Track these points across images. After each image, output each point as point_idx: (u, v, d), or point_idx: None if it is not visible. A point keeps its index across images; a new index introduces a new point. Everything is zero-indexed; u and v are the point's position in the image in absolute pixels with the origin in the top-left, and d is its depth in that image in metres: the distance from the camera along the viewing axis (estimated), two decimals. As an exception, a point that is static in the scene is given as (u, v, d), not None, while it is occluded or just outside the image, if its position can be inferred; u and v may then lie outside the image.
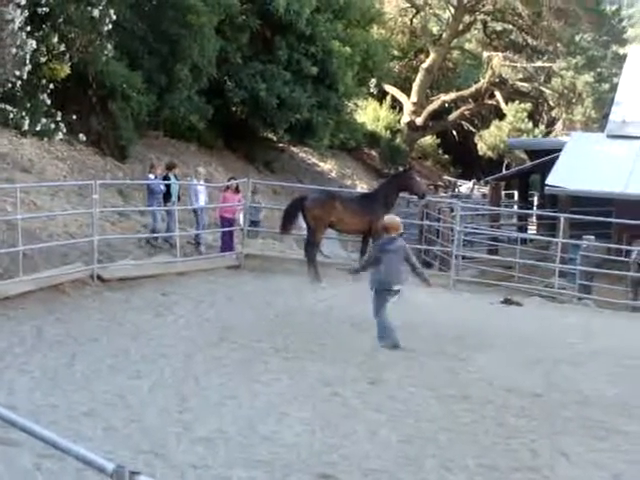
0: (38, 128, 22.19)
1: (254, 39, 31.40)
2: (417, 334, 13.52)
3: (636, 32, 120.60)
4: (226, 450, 7.65)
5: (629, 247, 21.55)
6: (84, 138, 24.13)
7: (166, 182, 19.94)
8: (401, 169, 20.44)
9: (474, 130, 57.30)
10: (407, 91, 53.31)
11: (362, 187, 40.73)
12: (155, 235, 19.74)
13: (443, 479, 7.30)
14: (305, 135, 34.05)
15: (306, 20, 30.70)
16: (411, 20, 54.71)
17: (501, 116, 56.04)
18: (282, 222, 19.06)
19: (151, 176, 20.17)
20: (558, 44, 53.63)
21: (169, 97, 27.22)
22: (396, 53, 52.99)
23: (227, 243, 20.43)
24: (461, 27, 53.87)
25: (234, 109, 32.47)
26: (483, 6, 53.43)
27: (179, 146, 30.79)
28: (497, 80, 54.21)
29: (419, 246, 26.38)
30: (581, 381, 11.17)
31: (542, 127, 57.21)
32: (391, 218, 13.36)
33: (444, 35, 53.85)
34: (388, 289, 12.48)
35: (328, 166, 42.10)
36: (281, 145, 37.62)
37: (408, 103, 52.71)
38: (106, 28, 22.71)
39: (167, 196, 19.88)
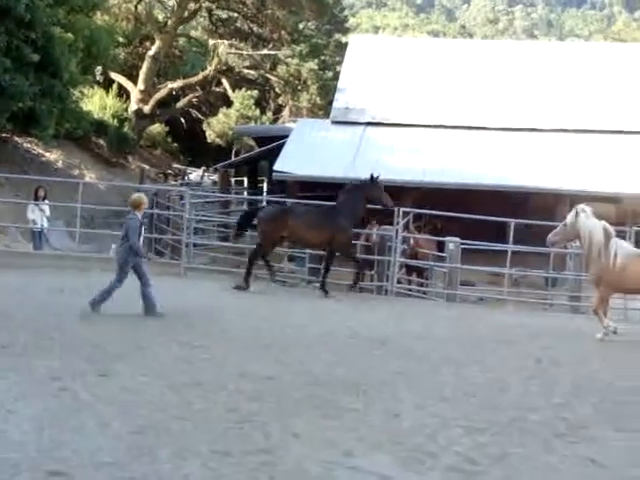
0: None
1: (-31, 24, 29.90)
2: (147, 323, 13.39)
3: (357, 21, 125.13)
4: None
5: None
6: None
7: None
8: (367, 178, 19.08)
9: (202, 118, 57.42)
10: (134, 79, 52.54)
11: (91, 177, 39.87)
12: None
13: (177, 468, 7.23)
14: (29, 124, 32.78)
15: (25, 5, 29.51)
16: (135, 7, 53.94)
17: (229, 103, 56.45)
18: (235, 231, 20.24)
19: None
20: (283, 32, 54.61)
21: None
22: (121, 40, 52.04)
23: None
24: (186, 14, 53.63)
25: (-50, 98, 30.82)
26: (208, -7, 53.56)
27: None
28: (224, 68, 54.47)
29: (150, 235, 26.15)
30: (311, 362, 11.42)
31: (269, 114, 58.17)
32: (139, 195, 15.07)
33: (169, 22, 53.44)
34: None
35: (54, 156, 40.81)
36: (4, 135, 36.11)
37: (135, 91, 51.98)
38: None
39: None
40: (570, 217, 14.96)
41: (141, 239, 14.77)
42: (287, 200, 21.45)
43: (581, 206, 15.01)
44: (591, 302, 20.09)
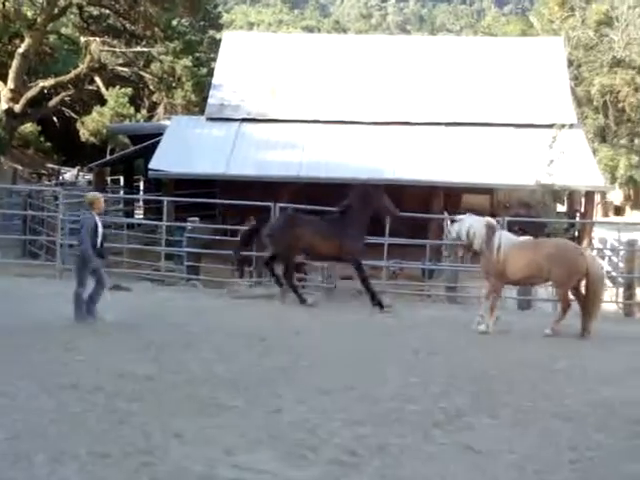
0: None
1: None
2: (23, 327, 13.10)
3: (231, 17, 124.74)
4: None
5: (237, 227, 22.14)
6: None
7: None
8: (369, 187, 18.22)
9: (76, 116, 56.38)
10: (4, 77, 51.21)
11: None
12: None
13: (54, 472, 7.09)
14: None
15: None
16: (3, 3, 52.55)
17: (103, 102, 55.57)
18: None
19: None
20: (156, 29, 53.92)
21: None
22: (-11, 38, 50.74)
23: None
24: (56, 11, 52.48)
25: None
26: (78, -10, 52.52)
27: None
28: (97, 65, 53.46)
29: (24, 237, 25.59)
30: (191, 361, 11.33)
31: (144, 111, 57.54)
32: (94, 194, 15.09)
33: (39, 19, 52.23)
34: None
35: None
36: None
37: (5, 90, 50.63)
38: None
39: None
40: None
41: (98, 239, 14.16)
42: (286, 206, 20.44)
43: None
44: (467, 292, 20.58)
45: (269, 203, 20.18)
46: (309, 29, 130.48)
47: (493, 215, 19.94)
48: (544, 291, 20.13)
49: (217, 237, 23.94)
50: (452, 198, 30.48)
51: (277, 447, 7.89)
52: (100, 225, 14.18)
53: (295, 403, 9.39)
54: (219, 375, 10.58)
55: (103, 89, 54.65)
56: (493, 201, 33.65)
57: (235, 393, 9.68)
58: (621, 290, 20.66)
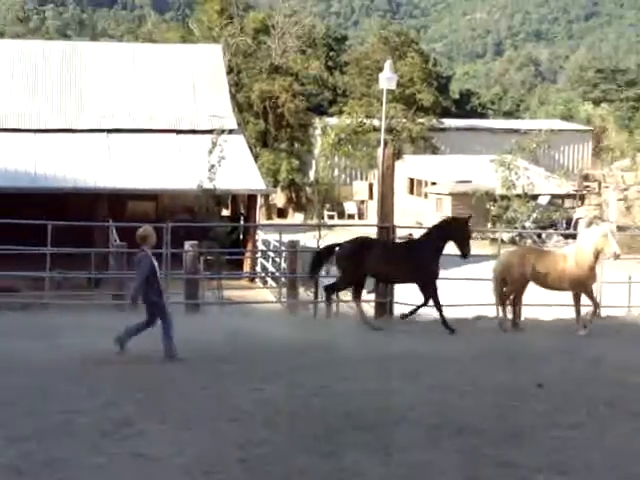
0: None
1: None
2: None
3: None
4: None
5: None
6: None
7: None
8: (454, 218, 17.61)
9: None
10: None
11: None
12: None
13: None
14: None
15: None
16: None
17: None
18: (310, 266, 17.17)
19: None
20: None
21: None
22: None
23: None
24: None
25: None
26: None
27: None
28: None
29: None
30: None
31: None
32: (145, 228, 13.18)
33: None
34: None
35: None
36: None
37: None
38: None
39: None
40: None
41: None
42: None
43: None
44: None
45: None
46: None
47: (159, 221, 19.98)
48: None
49: None
50: (117, 205, 30.21)
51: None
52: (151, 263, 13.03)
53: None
54: None
55: None
56: (158, 207, 33.72)
57: None
58: (284, 290, 21.36)
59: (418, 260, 16.44)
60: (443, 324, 16.15)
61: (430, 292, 16.35)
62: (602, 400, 10.53)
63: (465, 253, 16.60)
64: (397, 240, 18.66)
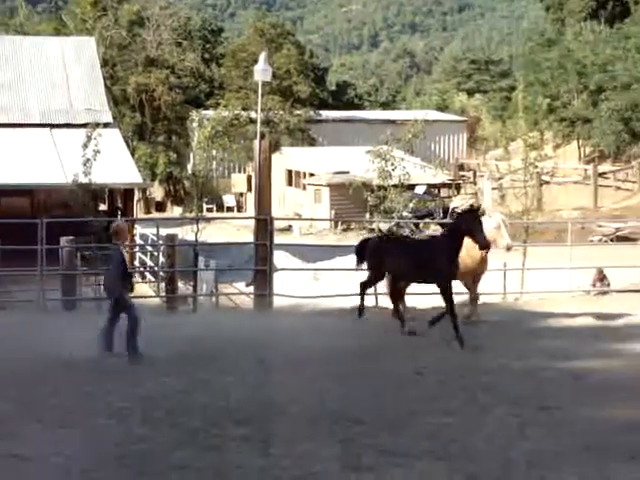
0: None
1: None
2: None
3: None
4: None
5: None
6: None
7: None
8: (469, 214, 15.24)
9: None
10: None
11: None
12: None
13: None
14: None
15: None
16: None
17: None
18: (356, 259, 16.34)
19: None
20: None
21: None
22: None
23: None
24: None
25: None
26: None
27: None
28: None
29: None
30: None
31: None
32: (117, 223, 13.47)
33: None
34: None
35: None
36: None
37: None
38: None
39: None
40: None
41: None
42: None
43: None
44: (11, 297, 20.02)
45: None
46: None
47: (34, 217, 19.58)
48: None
49: None
50: (-10, 201, 29.53)
51: None
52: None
53: None
54: None
55: None
56: (33, 202, 33.01)
57: None
58: (163, 284, 21.18)
59: (438, 262, 15.11)
60: (454, 330, 14.46)
61: (449, 296, 15.09)
62: (480, 387, 10.77)
63: (485, 245, 15.00)
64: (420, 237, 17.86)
